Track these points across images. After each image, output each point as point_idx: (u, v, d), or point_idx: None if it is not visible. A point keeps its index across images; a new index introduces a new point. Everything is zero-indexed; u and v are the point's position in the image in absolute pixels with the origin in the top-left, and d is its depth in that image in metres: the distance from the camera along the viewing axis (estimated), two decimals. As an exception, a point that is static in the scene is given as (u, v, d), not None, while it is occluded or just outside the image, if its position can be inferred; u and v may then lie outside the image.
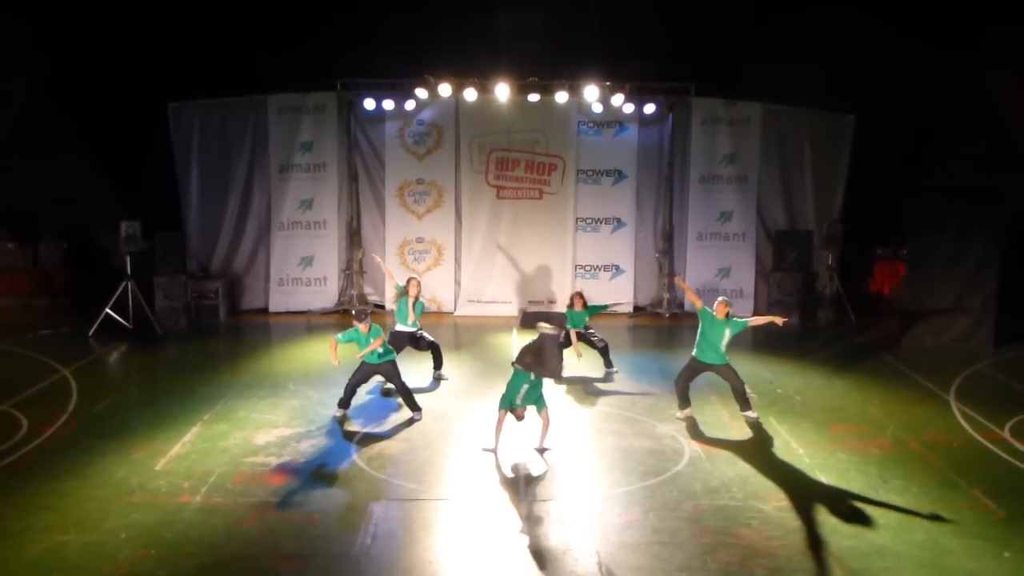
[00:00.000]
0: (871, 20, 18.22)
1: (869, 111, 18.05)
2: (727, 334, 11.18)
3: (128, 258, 16.66)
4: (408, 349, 13.18)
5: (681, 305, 19.37)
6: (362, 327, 11.08)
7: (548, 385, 12.71)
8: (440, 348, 13.70)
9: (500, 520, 8.38)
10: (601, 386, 13.25)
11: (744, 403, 11.48)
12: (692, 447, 10.45)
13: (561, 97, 18.23)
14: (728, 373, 11.39)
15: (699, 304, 11.43)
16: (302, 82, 18.60)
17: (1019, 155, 19.50)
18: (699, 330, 11.31)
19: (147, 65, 17.89)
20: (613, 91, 18.18)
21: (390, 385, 11.90)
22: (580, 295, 14.25)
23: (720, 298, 11.37)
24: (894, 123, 17.84)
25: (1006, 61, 19.60)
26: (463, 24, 18.26)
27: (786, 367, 14.66)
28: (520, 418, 10.13)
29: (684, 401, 11.66)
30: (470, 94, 18.14)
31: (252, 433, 10.79)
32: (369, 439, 10.69)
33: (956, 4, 18.14)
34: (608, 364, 14.08)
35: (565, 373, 12.72)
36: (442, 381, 13.47)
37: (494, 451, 10.15)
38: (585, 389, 13.03)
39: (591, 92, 18.08)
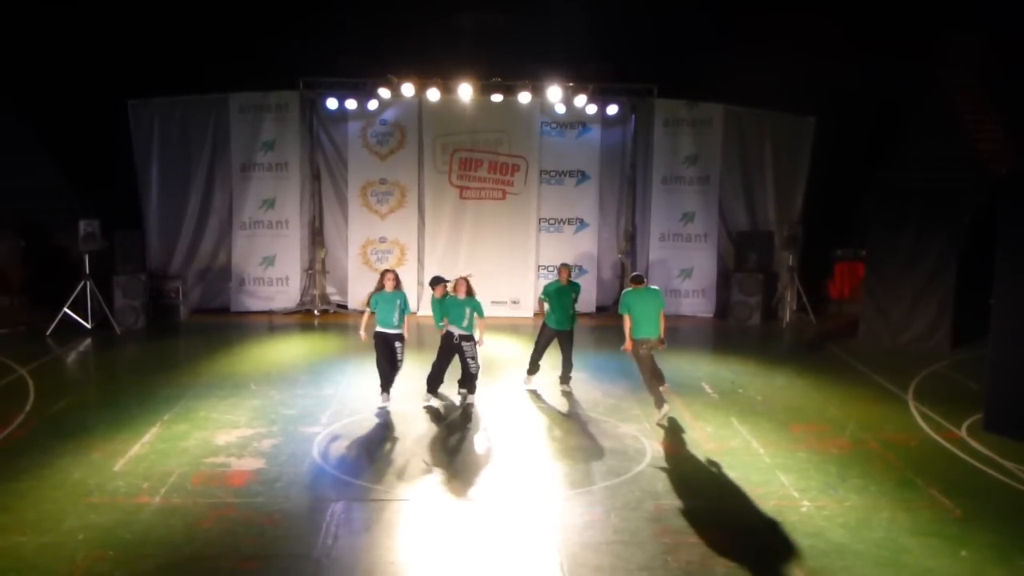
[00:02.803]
0: (831, 23, 18.44)
1: (829, 113, 18.20)
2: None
3: (87, 256, 16.44)
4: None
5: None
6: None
7: (504, 384, 12.89)
8: None
9: (461, 521, 8.37)
10: (563, 387, 13.12)
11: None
12: (654, 447, 10.50)
13: (524, 97, 18.18)
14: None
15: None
16: (264, 81, 18.43)
17: (976, 156, 19.78)
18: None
19: (108, 62, 17.70)
20: (576, 92, 18.17)
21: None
22: (465, 280, 12.03)
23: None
24: (853, 125, 18.02)
25: (961, 63, 19.91)
26: (426, 24, 18.26)
27: (747, 367, 14.74)
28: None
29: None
30: (433, 94, 18.06)
31: (212, 433, 10.71)
32: (330, 439, 10.64)
33: (912, 8, 18.38)
34: (465, 386, 12.26)
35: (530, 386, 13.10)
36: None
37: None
38: (546, 390, 13.02)
39: (554, 93, 18.06)
